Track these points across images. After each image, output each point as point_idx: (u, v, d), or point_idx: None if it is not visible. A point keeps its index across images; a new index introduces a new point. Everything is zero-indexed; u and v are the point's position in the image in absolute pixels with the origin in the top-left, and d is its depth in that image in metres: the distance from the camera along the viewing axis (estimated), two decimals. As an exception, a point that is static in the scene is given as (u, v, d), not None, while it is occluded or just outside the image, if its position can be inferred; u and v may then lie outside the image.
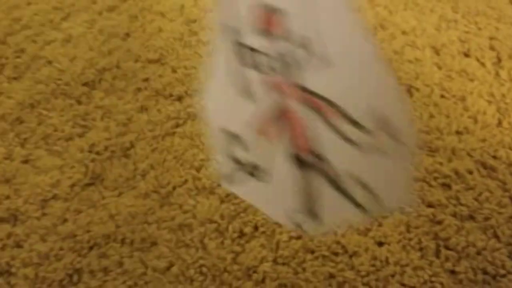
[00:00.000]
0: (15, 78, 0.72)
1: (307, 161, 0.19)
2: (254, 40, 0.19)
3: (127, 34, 0.76)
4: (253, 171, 0.20)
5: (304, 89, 0.19)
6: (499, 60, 0.63)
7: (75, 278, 0.52)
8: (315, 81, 0.19)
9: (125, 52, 0.73)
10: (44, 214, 0.57)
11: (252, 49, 0.19)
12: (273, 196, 0.20)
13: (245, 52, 0.19)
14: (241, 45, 0.19)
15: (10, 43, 0.76)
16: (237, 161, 0.20)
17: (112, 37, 0.75)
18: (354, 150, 0.19)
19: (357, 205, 0.19)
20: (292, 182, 0.19)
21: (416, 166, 0.17)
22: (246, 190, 0.20)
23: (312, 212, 0.19)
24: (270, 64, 0.19)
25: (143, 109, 0.65)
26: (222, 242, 0.52)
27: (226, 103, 0.20)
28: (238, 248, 0.51)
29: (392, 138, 0.18)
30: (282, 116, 0.19)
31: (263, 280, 0.49)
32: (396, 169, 0.18)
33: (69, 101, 0.68)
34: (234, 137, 0.19)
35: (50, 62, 0.73)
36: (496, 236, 0.49)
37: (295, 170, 0.19)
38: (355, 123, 0.19)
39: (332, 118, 0.19)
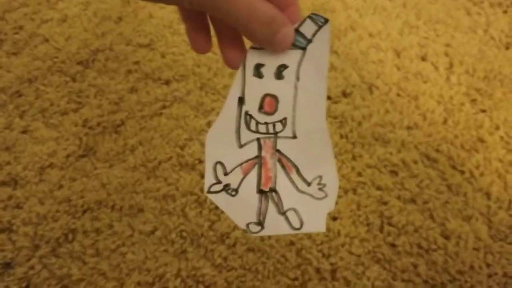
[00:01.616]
0: (14, 54, 0.76)
1: (265, 191, 0.31)
2: (258, 115, 0.31)
3: (120, 18, 0.79)
4: (225, 188, 0.31)
5: (278, 151, 0.31)
6: (451, 65, 0.69)
7: (70, 237, 0.58)
8: (285, 147, 0.31)
9: (117, 35, 0.77)
10: (41, 180, 0.63)
11: (257, 122, 0.31)
12: (236, 207, 0.31)
13: (251, 121, 0.30)
14: (250, 116, 0.30)
15: (9, 20, 0.79)
16: (217, 179, 0.31)
17: (106, 20, 0.79)
18: (297, 193, 0.31)
19: (290, 224, 0.31)
20: (251, 201, 0.31)
21: (333, 209, 0.31)
22: (219, 199, 0.32)
23: (260, 223, 0.31)
24: (264, 131, 0.31)
25: (133, 90, 0.70)
26: (201, 212, 0.58)
27: (225, 147, 0.31)
28: (214, 217, 0.58)
29: (322, 190, 0.31)
30: (259, 162, 0.31)
31: (234, 245, 0.56)
32: (319, 208, 0.31)
33: (65, 78, 0.73)
34: (222, 165, 0.31)
35: (47, 40, 0.77)
36: (431, 217, 0.57)
37: (255, 195, 0.31)
38: (303, 178, 0.31)
39: (290, 172, 0.31)
